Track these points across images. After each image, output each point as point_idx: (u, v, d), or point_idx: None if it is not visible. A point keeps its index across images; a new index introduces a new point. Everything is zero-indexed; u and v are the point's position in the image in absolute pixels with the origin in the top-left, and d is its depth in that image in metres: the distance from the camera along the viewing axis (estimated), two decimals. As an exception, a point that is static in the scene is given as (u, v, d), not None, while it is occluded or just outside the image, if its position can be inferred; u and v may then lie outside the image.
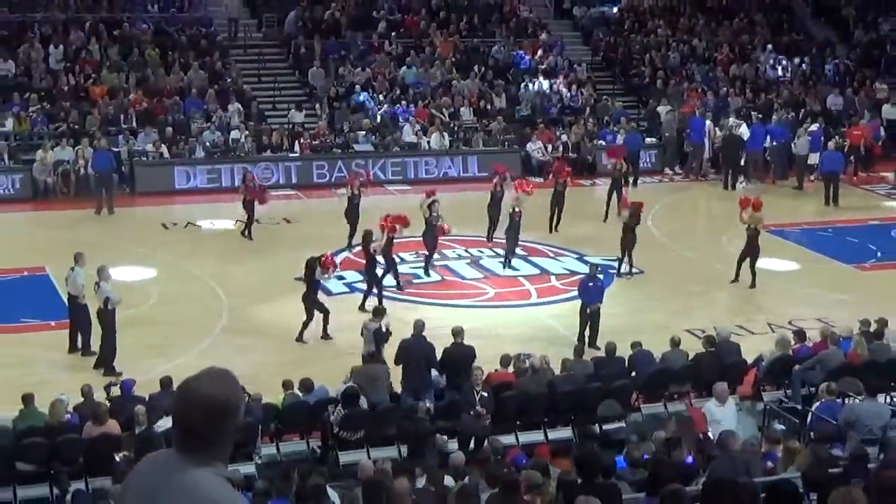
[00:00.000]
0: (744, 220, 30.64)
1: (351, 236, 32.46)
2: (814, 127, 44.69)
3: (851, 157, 43.40)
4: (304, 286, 27.21)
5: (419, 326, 23.40)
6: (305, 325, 26.62)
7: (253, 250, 33.00)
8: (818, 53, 52.23)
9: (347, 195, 33.41)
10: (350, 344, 25.56)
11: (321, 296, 27.29)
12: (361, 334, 23.99)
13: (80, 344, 25.82)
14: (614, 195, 35.92)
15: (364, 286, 28.88)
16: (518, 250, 32.87)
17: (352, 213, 32.96)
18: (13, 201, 37.59)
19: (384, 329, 23.76)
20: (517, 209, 31.82)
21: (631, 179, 38.38)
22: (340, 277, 29.89)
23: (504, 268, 31.92)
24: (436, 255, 31.50)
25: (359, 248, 30.46)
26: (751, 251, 30.45)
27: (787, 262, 31.65)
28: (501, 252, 33.11)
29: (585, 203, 37.49)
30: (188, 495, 4.67)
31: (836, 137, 43.43)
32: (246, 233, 33.62)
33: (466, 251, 32.53)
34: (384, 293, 28.52)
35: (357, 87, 45.32)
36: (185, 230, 35.98)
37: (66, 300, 27.03)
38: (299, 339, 26.47)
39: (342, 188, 34.86)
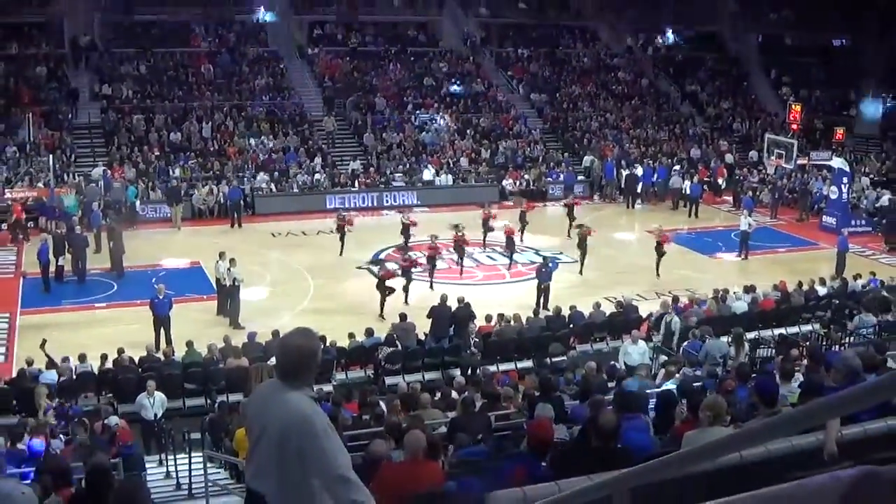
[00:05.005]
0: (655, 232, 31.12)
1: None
2: (677, 167, 45.02)
3: (705, 186, 43.47)
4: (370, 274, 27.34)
5: (444, 298, 23.99)
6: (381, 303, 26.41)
7: (328, 249, 32.87)
8: (684, 122, 52.17)
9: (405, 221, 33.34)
10: (390, 310, 25.63)
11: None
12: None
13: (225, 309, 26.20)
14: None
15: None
16: (497, 248, 33.01)
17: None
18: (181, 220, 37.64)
19: None
20: (509, 228, 32.21)
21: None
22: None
23: (510, 265, 31.84)
24: (446, 253, 31.41)
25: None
26: (659, 252, 30.63)
27: (668, 254, 31.52)
28: (487, 251, 33.46)
29: (541, 219, 37.33)
30: (285, 407, 4.74)
31: (694, 174, 43.71)
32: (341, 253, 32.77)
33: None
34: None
35: (394, 145, 45.41)
36: (286, 237, 35.89)
37: (213, 282, 27.28)
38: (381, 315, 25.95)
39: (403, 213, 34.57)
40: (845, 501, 2.45)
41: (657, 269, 30.54)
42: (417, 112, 47.94)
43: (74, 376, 20.10)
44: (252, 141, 43.73)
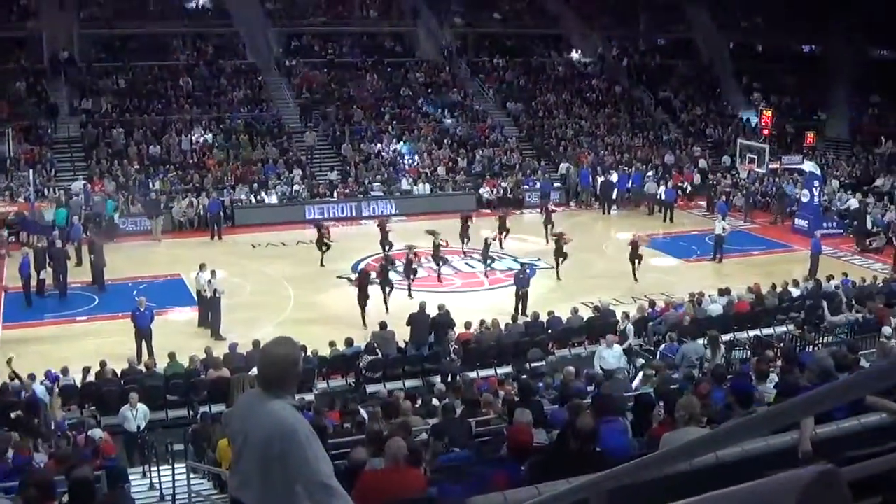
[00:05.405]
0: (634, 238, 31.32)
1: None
2: (650, 173, 45.27)
3: (679, 192, 43.66)
4: (348, 283, 27.35)
5: (423, 305, 24.00)
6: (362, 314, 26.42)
7: (308, 259, 32.72)
8: (658, 128, 52.35)
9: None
10: (370, 320, 25.63)
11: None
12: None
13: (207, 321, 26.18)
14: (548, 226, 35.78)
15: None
16: (476, 256, 32.94)
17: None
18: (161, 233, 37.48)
19: None
20: (488, 240, 32.22)
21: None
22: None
23: (486, 268, 31.80)
24: (424, 262, 31.25)
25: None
26: (635, 256, 30.70)
27: (644, 259, 31.59)
28: (465, 258, 33.36)
29: (518, 226, 37.25)
30: (267, 416, 4.75)
31: (668, 179, 44.00)
32: (322, 263, 32.49)
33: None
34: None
35: (372, 155, 45.35)
36: (266, 248, 35.81)
37: (194, 294, 27.23)
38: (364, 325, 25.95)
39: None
40: (802, 500, 2.47)
41: (634, 275, 30.63)
42: (393, 138, 47.66)
43: (57, 389, 20.03)
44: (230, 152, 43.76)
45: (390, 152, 45.97)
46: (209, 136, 44.47)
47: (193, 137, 44.33)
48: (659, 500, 3.75)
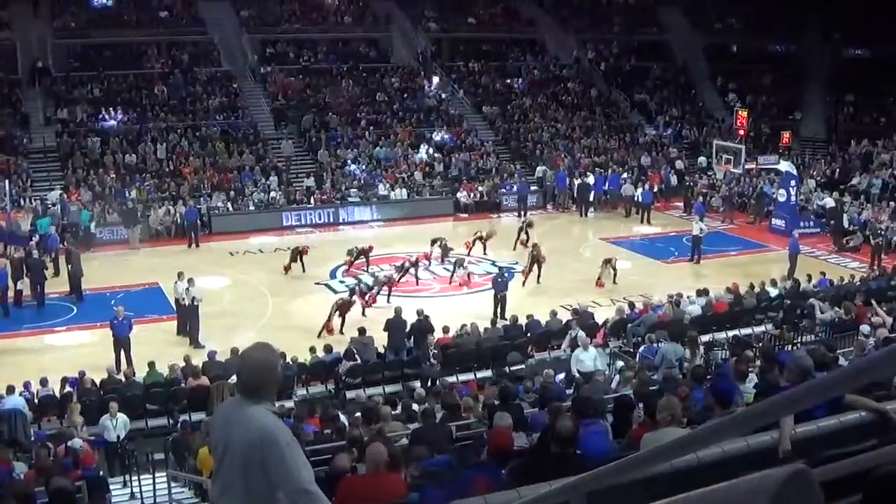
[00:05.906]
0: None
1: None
2: (625, 175, 45.40)
3: (656, 192, 43.76)
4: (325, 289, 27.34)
5: (398, 310, 23.98)
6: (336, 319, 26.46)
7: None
8: (634, 131, 52.46)
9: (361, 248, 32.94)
10: (348, 326, 25.60)
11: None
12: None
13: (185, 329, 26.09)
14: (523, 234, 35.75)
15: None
16: (450, 259, 32.86)
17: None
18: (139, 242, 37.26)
19: None
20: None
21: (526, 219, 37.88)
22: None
23: (466, 274, 31.45)
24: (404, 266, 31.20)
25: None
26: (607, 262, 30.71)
27: (621, 260, 31.68)
28: (444, 262, 33.34)
29: (496, 229, 37.14)
30: (248, 423, 4.76)
31: (644, 180, 44.15)
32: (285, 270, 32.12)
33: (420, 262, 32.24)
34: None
35: (349, 161, 45.26)
36: (244, 256, 35.66)
37: (172, 302, 27.13)
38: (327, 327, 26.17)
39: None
40: (775, 500, 2.47)
41: (597, 280, 30.61)
42: (370, 145, 47.58)
43: (37, 400, 19.95)
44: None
45: (369, 162, 45.94)
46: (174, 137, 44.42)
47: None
48: (638, 501, 3.76)
